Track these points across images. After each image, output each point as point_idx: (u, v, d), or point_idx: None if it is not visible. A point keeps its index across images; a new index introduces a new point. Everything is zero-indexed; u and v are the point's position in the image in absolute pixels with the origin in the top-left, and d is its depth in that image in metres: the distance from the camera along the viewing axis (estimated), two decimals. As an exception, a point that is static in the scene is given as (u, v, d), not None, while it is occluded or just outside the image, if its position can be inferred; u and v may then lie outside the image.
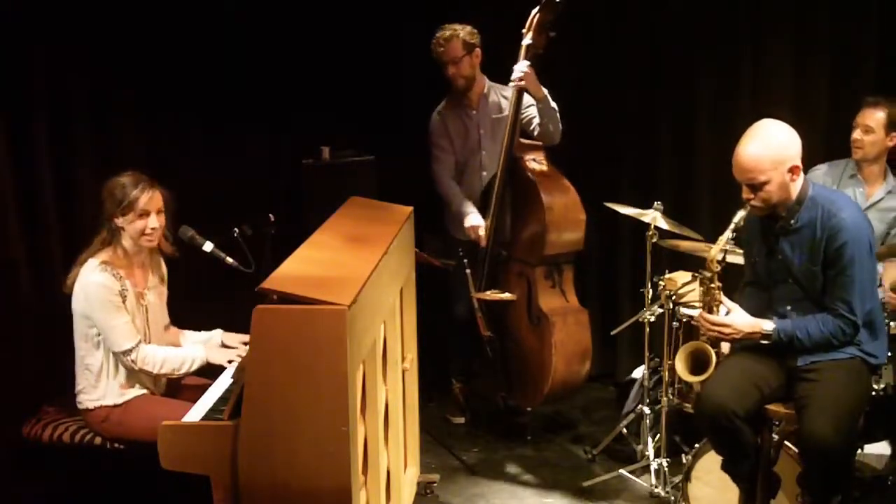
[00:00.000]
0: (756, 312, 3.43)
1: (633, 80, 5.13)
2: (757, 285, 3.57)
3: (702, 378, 3.59)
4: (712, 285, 3.45)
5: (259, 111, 4.98)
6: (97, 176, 3.73)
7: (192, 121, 4.72)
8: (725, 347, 3.62)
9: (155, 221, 3.49)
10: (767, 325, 3.37)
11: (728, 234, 3.39)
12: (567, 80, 5.09)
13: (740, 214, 3.39)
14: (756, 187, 3.30)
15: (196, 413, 3.16)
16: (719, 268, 3.46)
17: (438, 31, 4.61)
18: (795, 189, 3.33)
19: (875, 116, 3.97)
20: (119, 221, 3.46)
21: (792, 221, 3.36)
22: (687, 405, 4.14)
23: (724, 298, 3.45)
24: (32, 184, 4.09)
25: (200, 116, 4.74)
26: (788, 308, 3.43)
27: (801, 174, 3.33)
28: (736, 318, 3.40)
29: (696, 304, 4.27)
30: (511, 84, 4.39)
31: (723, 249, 3.96)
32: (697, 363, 3.69)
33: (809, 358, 3.36)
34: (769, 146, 3.28)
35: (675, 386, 4.20)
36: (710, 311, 3.46)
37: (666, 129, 5.13)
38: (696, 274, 3.59)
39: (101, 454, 3.48)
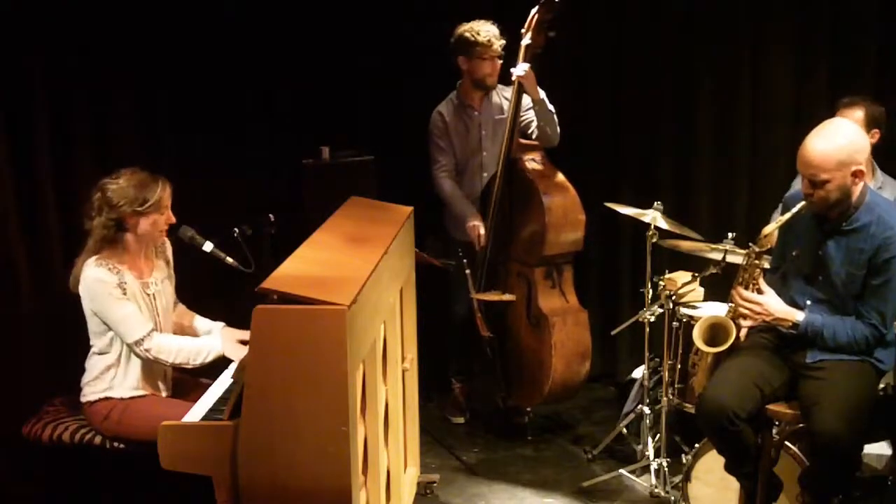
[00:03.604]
0: None
1: (633, 80, 5.12)
2: (779, 275, 3.56)
3: (717, 350, 3.58)
4: (757, 261, 3.43)
5: (259, 111, 4.98)
6: (97, 176, 3.73)
7: (192, 121, 4.72)
8: (742, 335, 3.61)
9: (171, 215, 3.52)
10: (798, 316, 3.37)
11: (788, 216, 3.34)
12: (567, 80, 5.10)
13: (802, 204, 3.34)
14: (817, 184, 3.27)
15: (196, 413, 3.16)
16: (769, 246, 3.43)
17: (480, 24, 4.49)
18: (855, 193, 3.30)
19: (854, 116, 3.97)
20: (134, 221, 3.44)
21: (844, 224, 3.34)
22: (687, 405, 4.14)
23: (761, 281, 3.44)
24: (32, 184, 4.09)
25: (200, 116, 4.74)
26: (809, 303, 3.42)
27: (864, 181, 3.31)
28: (770, 300, 3.40)
29: (697, 304, 4.29)
30: (508, 86, 4.39)
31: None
32: (714, 339, 3.68)
33: (819, 355, 3.37)
34: (837, 147, 3.24)
35: (675, 386, 4.20)
36: (746, 288, 3.45)
37: (666, 130, 5.13)
38: (746, 249, 3.52)
39: (101, 454, 3.48)
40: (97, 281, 3.37)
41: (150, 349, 3.39)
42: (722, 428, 3.33)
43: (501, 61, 4.56)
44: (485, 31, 4.52)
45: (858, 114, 3.99)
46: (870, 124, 3.99)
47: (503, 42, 4.52)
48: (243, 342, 3.52)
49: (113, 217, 3.41)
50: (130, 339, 3.39)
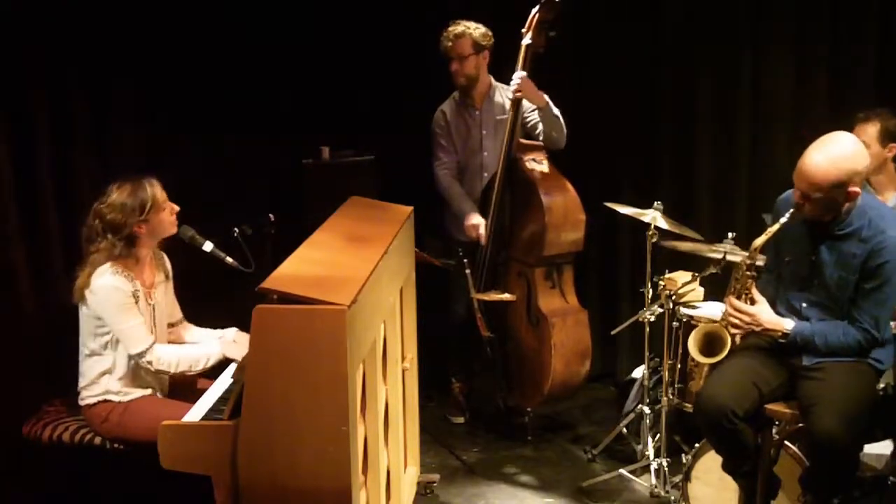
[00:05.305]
0: (769, 301, 3.43)
1: (633, 80, 5.12)
2: (777, 277, 3.55)
3: (713, 361, 3.58)
4: (748, 273, 3.42)
5: (259, 111, 4.98)
6: (97, 176, 3.73)
7: (193, 121, 4.72)
8: (738, 339, 3.61)
9: (173, 205, 3.53)
10: (788, 325, 3.37)
11: (776, 227, 3.32)
12: (567, 80, 5.10)
13: (791, 212, 3.31)
14: (809, 198, 3.25)
15: (196, 413, 3.16)
16: (759, 257, 3.43)
17: (451, 24, 4.59)
18: (847, 205, 3.28)
19: (868, 131, 3.95)
20: (144, 228, 3.45)
21: (836, 229, 3.33)
22: (687, 405, 4.14)
23: (754, 290, 3.44)
24: (32, 184, 4.08)
25: (201, 116, 4.74)
26: (804, 306, 3.42)
27: (859, 196, 3.28)
28: (761, 310, 3.40)
29: (697, 304, 4.29)
30: (509, 86, 4.40)
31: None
32: (710, 346, 3.68)
33: (816, 358, 3.37)
34: (837, 168, 3.19)
35: (675, 386, 4.20)
36: (738, 298, 3.44)
37: (666, 129, 5.13)
38: (741, 257, 3.53)
39: (101, 454, 3.48)
40: (113, 289, 3.38)
41: (152, 361, 3.42)
42: (720, 427, 3.33)
43: (476, 60, 4.57)
44: (449, 29, 4.57)
45: (872, 129, 3.94)
46: (885, 139, 3.96)
47: (471, 40, 4.53)
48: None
49: (122, 236, 3.43)
50: (133, 351, 3.41)
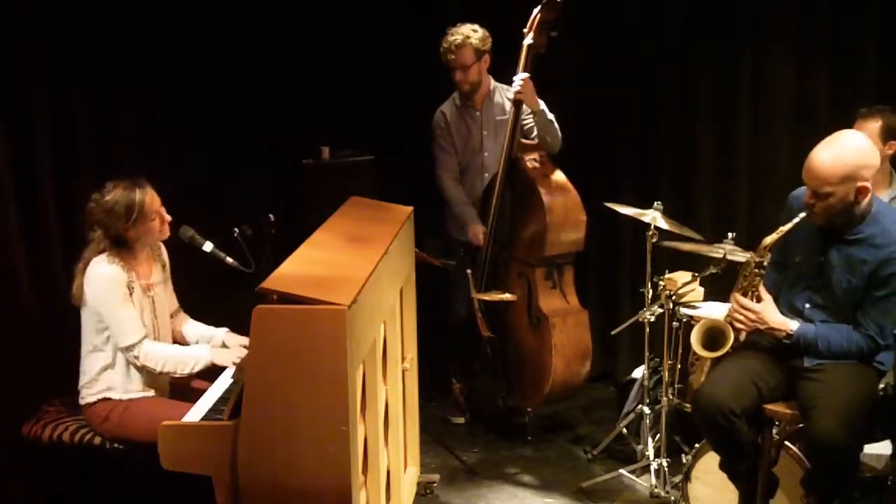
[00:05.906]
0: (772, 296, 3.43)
1: (634, 80, 5.12)
2: (780, 275, 3.55)
3: (715, 355, 3.57)
4: (756, 271, 3.42)
5: (259, 111, 4.98)
6: (97, 177, 3.73)
7: (193, 121, 4.72)
8: (742, 336, 3.61)
9: (165, 213, 3.52)
10: (792, 326, 3.37)
11: (789, 226, 3.31)
12: (567, 80, 5.10)
13: (802, 215, 3.31)
14: (819, 195, 3.24)
15: (196, 413, 3.16)
16: (769, 256, 3.43)
17: (450, 33, 4.56)
18: (860, 206, 3.27)
19: (869, 127, 3.93)
20: (133, 233, 3.45)
21: (848, 234, 3.31)
22: (687, 405, 4.14)
23: (761, 288, 3.43)
24: (32, 185, 4.09)
25: (200, 116, 4.74)
26: (808, 307, 3.42)
27: (870, 194, 3.27)
28: (767, 309, 3.39)
29: (697, 304, 4.29)
30: (510, 87, 4.40)
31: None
32: (713, 341, 3.67)
33: (816, 360, 3.37)
34: (843, 162, 3.20)
35: (675, 386, 4.20)
36: (745, 296, 3.44)
37: (666, 129, 5.13)
38: (747, 255, 3.53)
39: (101, 454, 3.48)
40: (107, 277, 3.38)
41: (139, 356, 3.41)
42: (717, 424, 3.33)
43: (479, 66, 4.56)
44: (449, 39, 4.55)
45: (875, 125, 3.93)
46: (887, 136, 3.94)
47: (472, 48, 4.51)
48: (244, 346, 3.52)
49: (110, 236, 3.44)
50: (123, 343, 3.40)
